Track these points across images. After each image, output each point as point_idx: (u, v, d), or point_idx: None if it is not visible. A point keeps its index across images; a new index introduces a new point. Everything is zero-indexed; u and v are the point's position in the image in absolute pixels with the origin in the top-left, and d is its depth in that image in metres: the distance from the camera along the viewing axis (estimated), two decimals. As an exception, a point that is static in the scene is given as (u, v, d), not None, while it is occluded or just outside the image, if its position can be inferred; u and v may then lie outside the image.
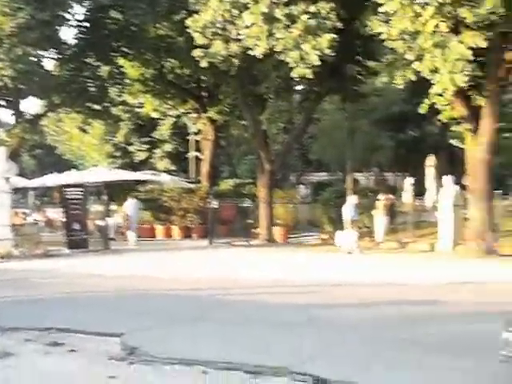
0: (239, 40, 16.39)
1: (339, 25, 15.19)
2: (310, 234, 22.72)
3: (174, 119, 32.86)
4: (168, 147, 36.56)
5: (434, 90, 13.81)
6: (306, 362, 6.35)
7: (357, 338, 7.40)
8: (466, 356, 6.36)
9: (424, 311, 8.85)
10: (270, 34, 15.42)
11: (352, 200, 18.79)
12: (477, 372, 5.93)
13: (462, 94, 15.28)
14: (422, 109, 15.46)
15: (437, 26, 12.91)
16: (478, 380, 5.78)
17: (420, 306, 9.17)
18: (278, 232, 22.34)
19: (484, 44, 12.64)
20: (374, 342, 7.14)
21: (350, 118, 30.29)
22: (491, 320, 6.34)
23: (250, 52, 16.20)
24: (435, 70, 13.10)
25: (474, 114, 15.78)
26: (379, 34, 14.32)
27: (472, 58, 12.81)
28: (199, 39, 16.74)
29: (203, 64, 17.15)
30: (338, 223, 19.51)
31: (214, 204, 21.56)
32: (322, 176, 42.17)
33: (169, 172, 31.71)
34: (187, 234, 23.87)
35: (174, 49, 23.93)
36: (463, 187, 18.02)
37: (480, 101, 15.42)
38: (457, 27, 13.41)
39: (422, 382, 5.76)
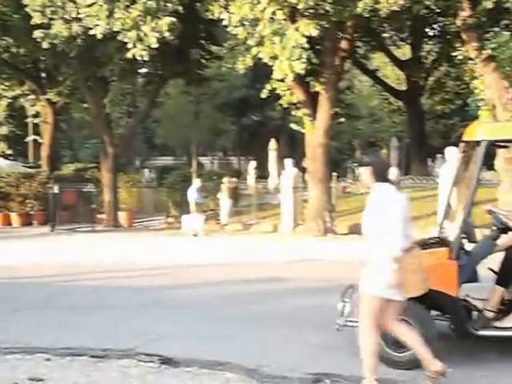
0: (80, 19, 15.90)
1: (180, 8, 15.17)
2: (156, 218, 22.65)
3: (10, 100, 31.17)
4: (4, 130, 34.68)
5: (274, 75, 14.24)
6: (153, 342, 6.43)
7: (203, 316, 7.60)
8: (303, 327, 6.78)
9: (265, 288, 9.22)
10: (110, 14, 15.08)
11: (196, 184, 18.99)
12: (309, 341, 6.35)
13: (300, 80, 15.90)
14: (263, 94, 15.91)
15: (274, 13, 13.28)
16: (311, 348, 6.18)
17: (262, 284, 9.53)
18: (122, 217, 22.06)
19: (315, 32, 13.13)
20: (219, 319, 7.38)
21: (194, 102, 30.46)
22: (329, 293, 6.74)
23: (90, 32, 15.76)
24: (275, 57, 13.50)
25: (312, 100, 16.49)
26: (221, 19, 14.51)
27: (307, 45, 13.28)
28: (38, 18, 16.02)
29: (45, 45, 16.46)
30: (183, 207, 19.65)
31: (55, 189, 20.84)
32: (167, 160, 42.08)
33: (5, 156, 30.12)
34: (27, 220, 22.87)
35: (8, 26, 22.65)
36: (303, 170, 18.84)
37: (317, 87, 16.14)
38: (293, 15, 13.87)
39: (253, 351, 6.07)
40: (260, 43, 13.59)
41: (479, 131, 5.59)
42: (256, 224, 18.81)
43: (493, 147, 6.64)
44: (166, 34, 14.98)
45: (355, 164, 33.08)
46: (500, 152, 13.12)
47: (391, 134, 36.72)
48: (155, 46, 15.14)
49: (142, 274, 10.80)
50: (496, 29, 15.05)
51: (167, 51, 17.32)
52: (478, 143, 5.51)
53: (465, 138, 6.08)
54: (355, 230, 16.59)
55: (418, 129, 29.25)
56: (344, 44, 16.53)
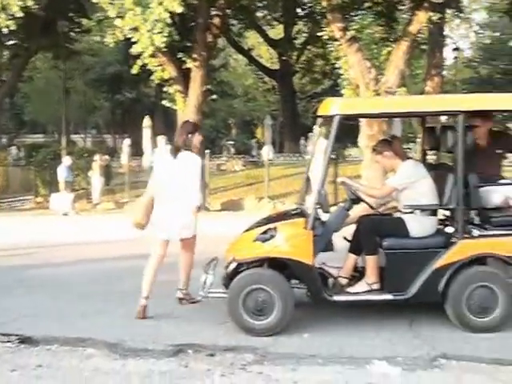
0: None
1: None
2: (24, 197, 21.79)
3: None
4: None
5: (134, 48, 13.98)
6: (12, 322, 6.27)
7: (66, 294, 7.48)
8: (167, 300, 6.86)
9: (133, 264, 9.09)
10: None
11: (66, 161, 18.45)
12: (173, 313, 6.44)
13: (172, 56, 15.81)
14: (134, 69, 15.65)
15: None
16: (175, 320, 6.27)
17: (130, 260, 9.44)
18: (-13, 197, 21.06)
19: (180, 9, 13.01)
20: (83, 297, 7.29)
21: (65, 78, 29.41)
22: (195, 267, 6.83)
23: None
24: (136, 29, 13.27)
25: (184, 77, 16.44)
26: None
27: (170, 21, 13.10)
28: None
29: None
30: (53, 186, 19.05)
31: None
32: (37, 138, 40.40)
33: None
34: None
35: None
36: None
37: (189, 63, 16.10)
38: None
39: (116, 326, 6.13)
40: (121, 14, 13.24)
41: (332, 106, 5.83)
42: (129, 202, 18.57)
43: (349, 122, 6.95)
44: (30, 3, 14.32)
45: (230, 142, 33.43)
46: (363, 129, 13.72)
47: (265, 112, 37.31)
48: (19, 15, 14.46)
49: (5, 254, 10.41)
50: (360, 11, 15.67)
51: (33, 23, 16.61)
52: (331, 118, 5.75)
53: (320, 113, 6.33)
54: (228, 206, 16.88)
55: (290, 108, 29.95)
56: (216, 21, 16.56)
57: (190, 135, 6.48)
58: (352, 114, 6.13)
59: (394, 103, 6.66)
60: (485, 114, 6.45)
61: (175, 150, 6.46)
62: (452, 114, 6.11)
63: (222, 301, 6.00)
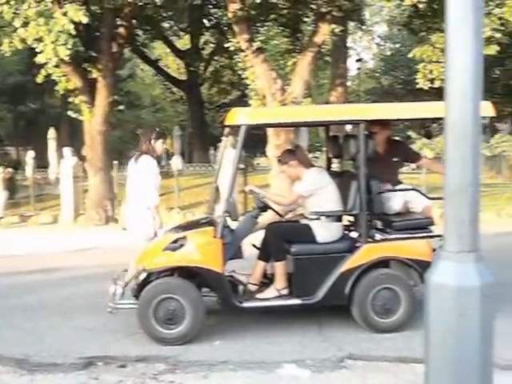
0: None
1: None
2: None
3: None
4: None
5: (38, 59, 13.63)
6: None
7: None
8: (76, 314, 6.75)
9: (40, 278, 8.96)
10: None
11: (-33, 174, 17.72)
12: (83, 326, 6.34)
13: (77, 66, 15.51)
14: (39, 79, 15.25)
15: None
16: (84, 333, 6.18)
17: (37, 274, 9.24)
18: None
19: (85, 19, 12.81)
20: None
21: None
22: (104, 279, 6.75)
23: None
24: (40, 39, 12.95)
25: (90, 87, 16.16)
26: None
27: (74, 32, 12.85)
28: None
29: None
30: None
31: None
32: None
33: None
34: None
35: None
36: (83, 159, 18.40)
37: (95, 74, 15.85)
38: (61, -1, 13.42)
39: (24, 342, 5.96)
40: (26, 24, 12.88)
41: (239, 116, 5.94)
42: (35, 216, 18.03)
43: (256, 132, 7.07)
44: None
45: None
46: (270, 139, 13.94)
47: (174, 123, 37.14)
48: None
49: None
50: (265, 22, 15.94)
51: None
52: (238, 127, 5.85)
53: (227, 122, 6.42)
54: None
55: (199, 118, 29.96)
56: (122, 31, 16.39)
57: (152, 141, 6.71)
58: (258, 123, 6.25)
59: (298, 113, 6.83)
60: (384, 123, 6.73)
61: (138, 156, 6.70)
62: (353, 123, 6.35)
63: (132, 311, 5.96)
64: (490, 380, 2.58)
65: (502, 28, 12.33)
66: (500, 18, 12.13)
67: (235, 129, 6.14)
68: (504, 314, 6.36)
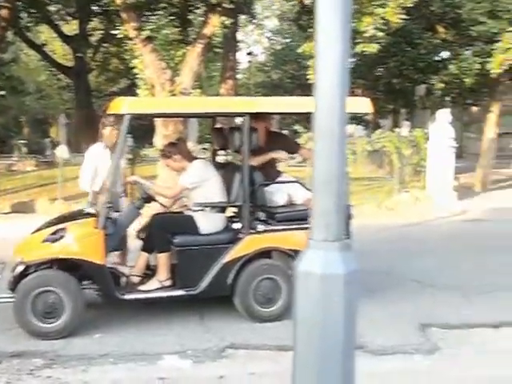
0: None
1: None
2: None
3: None
4: None
5: None
6: None
7: None
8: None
9: None
10: None
11: None
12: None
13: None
14: None
15: None
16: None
17: None
18: None
19: None
20: None
21: None
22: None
23: None
24: None
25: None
26: None
27: None
28: None
29: None
30: None
31: None
32: None
33: None
34: None
35: None
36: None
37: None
38: None
39: None
40: None
41: (122, 105, 5.85)
42: None
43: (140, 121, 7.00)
44: None
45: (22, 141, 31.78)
46: (158, 129, 13.81)
47: (60, 111, 35.95)
48: None
49: None
50: (155, 11, 15.71)
51: None
52: (121, 116, 5.76)
53: (110, 111, 6.31)
54: (19, 208, 16.04)
55: (86, 107, 29.17)
56: (4, 13, 15.69)
57: (105, 129, 6.88)
58: (141, 113, 6.19)
59: (183, 104, 6.82)
60: (266, 116, 6.85)
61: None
62: (238, 116, 6.42)
63: (8, 306, 5.75)
64: (353, 364, 2.71)
65: (385, 27, 12.83)
66: (383, 18, 12.61)
67: (118, 117, 6.04)
68: (376, 301, 6.70)
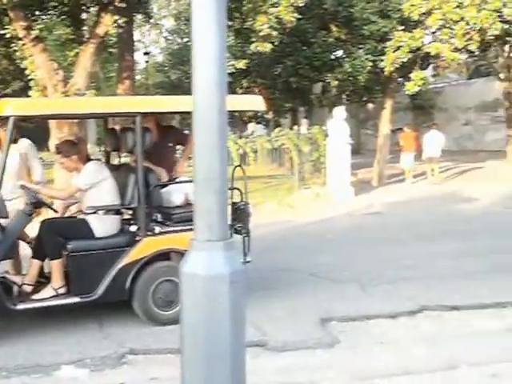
0: None
1: None
2: None
3: None
4: None
5: None
6: None
7: None
8: None
9: None
10: None
11: None
12: None
13: None
14: None
15: None
16: None
17: None
18: None
19: None
20: None
21: None
22: None
23: None
24: None
25: None
26: None
27: None
28: None
29: None
30: None
31: None
32: None
33: None
34: None
35: None
36: None
37: None
38: None
39: None
40: None
41: (6, 107, 5.57)
42: None
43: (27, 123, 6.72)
44: None
45: None
46: (53, 131, 13.36)
47: None
48: None
49: None
50: (46, 10, 15.18)
51: None
52: (6, 119, 5.50)
53: (-3, 114, 6.00)
54: None
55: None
56: None
57: None
58: (27, 114, 5.94)
59: (71, 104, 6.56)
60: (158, 116, 6.76)
61: None
62: (130, 116, 6.27)
63: None
64: (243, 364, 2.68)
65: (279, 26, 12.97)
66: (277, 17, 12.74)
67: (4, 120, 5.76)
68: (277, 298, 6.74)
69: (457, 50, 16.99)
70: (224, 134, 2.59)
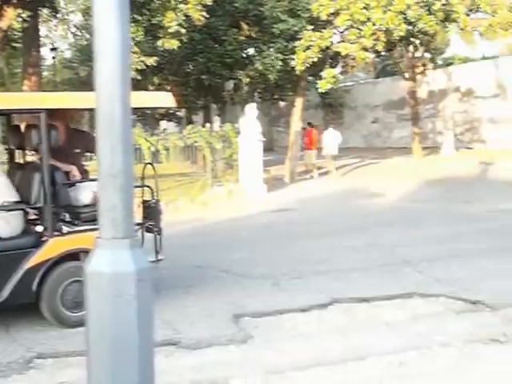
0: None
1: None
2: None
3: None
4: None
5: None
6: None
7: None
8: None
9: None
10: None
11: None
12: None
13: None
14: None
15: None
16: None
17: None
18: None
19: None
20: None
21: None
22: None
23: None
24: None
25: None
26: None
27: None
28: None
29: None
30: None
31: None
32: None
33: None
34: None
35: None
36: None
37: None
38: None
39: None
40: None
41: None
42: None
43: None
44: None
45: None
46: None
47: None
48: None
49: None
50: None
51: None
52: None
53: None
54: None
55: None
56: None
57: None
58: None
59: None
60: (66, 113, 6.56)
61: None
62: (33, 112, 6.06)
63: None
64: (151, 362, 2.64)
65: (187, 24, 12.90)
66: (185, 15, 12.66)
67: None
68: (190, 295, 6.72)
69: (365, 49, 17.44)
70: (128, 129, 2.54)
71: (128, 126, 2.54)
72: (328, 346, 5.32)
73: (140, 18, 15.11)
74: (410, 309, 6.29)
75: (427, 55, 30.77)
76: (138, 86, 14.90)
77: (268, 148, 17.82)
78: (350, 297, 6.65)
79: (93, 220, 6.02)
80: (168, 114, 28.47)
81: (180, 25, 12.34)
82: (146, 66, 16.75)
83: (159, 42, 12.46)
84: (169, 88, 23.26)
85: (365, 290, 6.86)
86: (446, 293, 6.57)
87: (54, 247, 5.79)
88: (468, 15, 17.50)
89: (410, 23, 16.90)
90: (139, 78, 14.62)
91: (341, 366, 4.84)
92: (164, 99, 6.25)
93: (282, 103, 33.56)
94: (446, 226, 10.65)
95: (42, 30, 26.28)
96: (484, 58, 35.09)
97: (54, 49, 36.38)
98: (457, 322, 5.78)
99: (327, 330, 5.76)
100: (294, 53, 18.24)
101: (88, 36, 37.61)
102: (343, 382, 4.55)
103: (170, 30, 12.40)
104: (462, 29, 18.21)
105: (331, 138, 20.89)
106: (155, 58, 17.91)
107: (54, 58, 37.05)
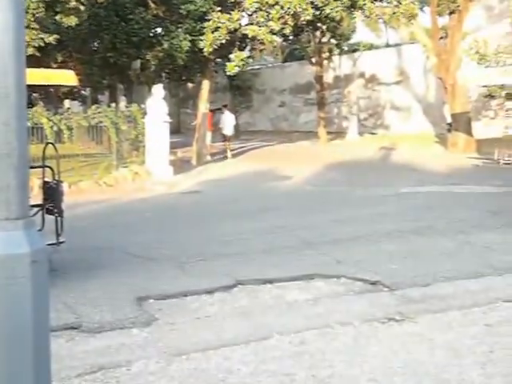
0: None
1: None
2: None
3: None
4: None
5: None
6: None
7: None
8: None
9: None
10: None
11: None
12: None
13: None
14: None
15: None
16: None
17: None
18: None
19: None
20: None
21: None
22: None
23: None
24: None
25: None
26: None
27: None
28: None
29: None
30: None
31: None
32: None
33: None
34: None
35: None
36: None
37: None
38: None
39: None
40: None
41: None
42: None
43: None
44: None
45: None
46: None
47: None
48: None
49: None
50: None
51: None
52: None
53: None
54: None
55: None
56: None
57: None
58: None
59: None
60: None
61: None
62: None
63: None
64: (47, 347, 2.59)
65: (88, 0, 12.54)
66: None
67: None
68: (93, 278, 6.60)
69: (273, 33, 17.57)
70: (22, 106, 2.46)
71: (22, 103, 2.46)
72: (231, 327, 5.38)
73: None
74: (312, 289, 6.45)
75: (333, 41, 31.40)
76: (40, 63, 14.40)
77: (176, 130, 17.68)
78: (253, 278, 6.74)
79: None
80: (72, 93, 27.63)
81: (78, 1, 11.95)
82: (45, 43, 16.15)
83: (57, 17, 12.00)
84: (72, 66, 22.58)
85: (268, 271, 6.97)
86: (347, 274, 6.78)
87: None
88: (373, 3, 17.94)
89: (317, 8, 17.16)
90: (38, 54, 14.08)
91: (243, 347, 4.91)
92: (66, 77, 6.10)
93: (190, 84, 33.28)
94: (348, 210, 10.97)
95: None
96: (388, 46, 36.16)
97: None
98: (356, 302, 5.98)
99: (231, 312, 5.82)
100: (202, 34, 18.12)
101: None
102: (245, 362, 4.62)
103: (68, 6, 11.98)
104: (367, 16, 18.65)
105: (228, 119, 22.01)
106: (56, 35, 17.30)
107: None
